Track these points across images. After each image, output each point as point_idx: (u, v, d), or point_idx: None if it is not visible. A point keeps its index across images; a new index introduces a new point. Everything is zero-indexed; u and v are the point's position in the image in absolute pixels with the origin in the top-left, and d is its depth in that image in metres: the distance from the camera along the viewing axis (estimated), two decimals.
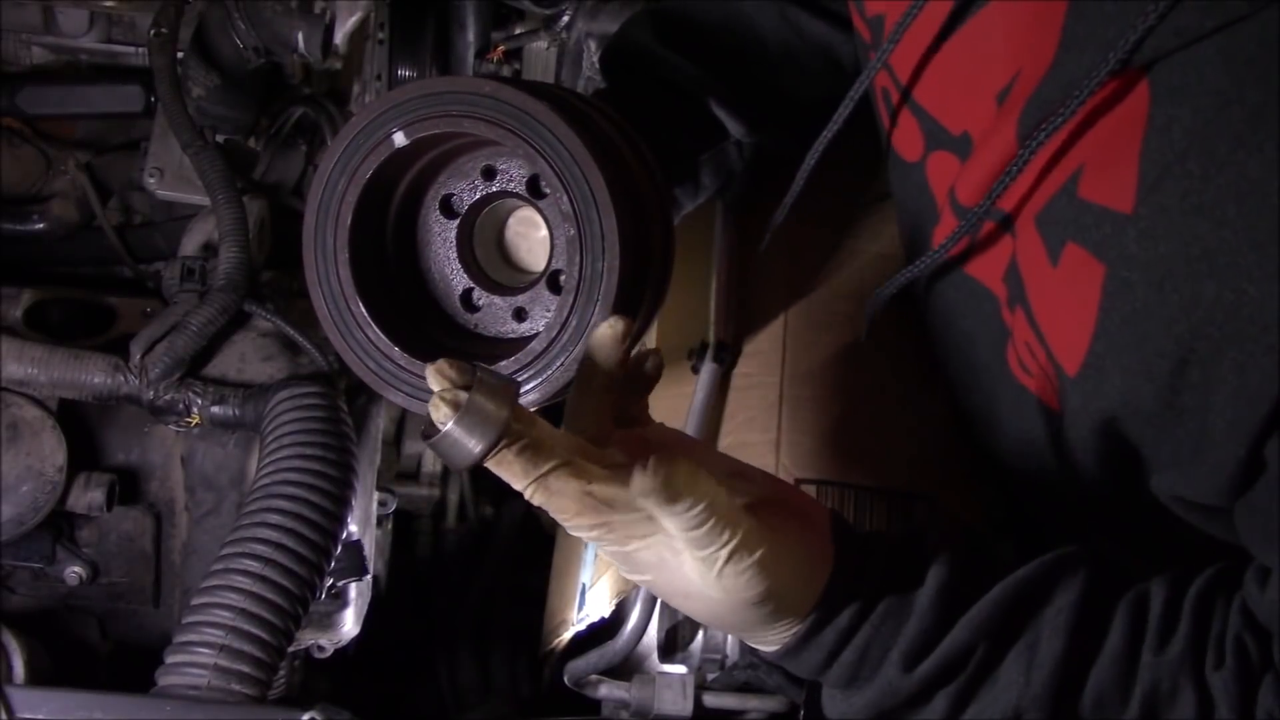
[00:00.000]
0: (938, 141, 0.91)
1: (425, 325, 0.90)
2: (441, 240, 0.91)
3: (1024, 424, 0.92)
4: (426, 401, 0.82)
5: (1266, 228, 0.64)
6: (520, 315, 0.89)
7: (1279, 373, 0.64)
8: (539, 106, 0.79)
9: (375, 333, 0.85)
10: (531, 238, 0.92)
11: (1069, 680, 0.78)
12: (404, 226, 0.90)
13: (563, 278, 0.84)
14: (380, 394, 0.85)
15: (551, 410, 0.80)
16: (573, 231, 0.79)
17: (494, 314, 0.90)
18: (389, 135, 0.81)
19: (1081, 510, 0.97)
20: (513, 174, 0.88)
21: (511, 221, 0.92)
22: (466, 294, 0.91)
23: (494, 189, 0.89)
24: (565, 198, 0.79)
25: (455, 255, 0.91)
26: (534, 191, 0.87)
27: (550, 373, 0.81)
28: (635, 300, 0.85)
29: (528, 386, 0.81)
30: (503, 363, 0.81)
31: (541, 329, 0.84)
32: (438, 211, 0.90)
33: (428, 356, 0.82)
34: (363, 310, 0.85)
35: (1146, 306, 0.70)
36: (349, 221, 0.84)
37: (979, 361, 0.97)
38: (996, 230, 0.86)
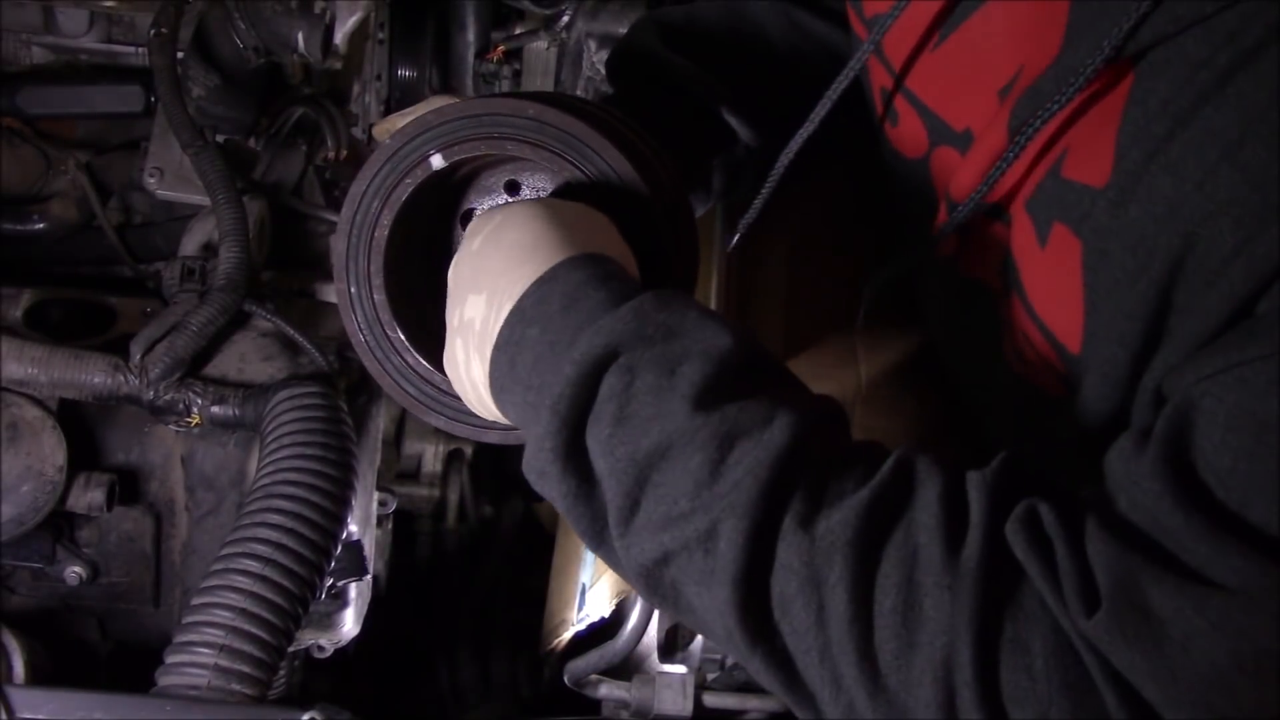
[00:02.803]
0: (941, 137, 0.91)
1: None
2: None
3: (1027, 417, 0.92)
4: (468, 424, 0.82)
5: (1216, 173, 0.65)
6: None
7: (1225, 305, 0.65)
8: (584, 129, 0.78)
9: (414, 358, 0.83)
10: None
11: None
12: (431, 246, 0.89)
13: None
14: (422, 419, 0.84)
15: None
16: None
17: None
18: (426, 158, 0.80)
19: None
20: (536, 187, 0.87)
21: None
22: None
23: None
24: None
25: None
26: None
27: None
28: None
29: None
30: None
31: None
32: (460, 229, 0.89)
33: None
34: (400, 336, 0.83)
35: (1126, 273, 0.71)
36: (384, 246, 0.82)
37: (980, 357, 0.97)
38: (992, 224, 0.86)
